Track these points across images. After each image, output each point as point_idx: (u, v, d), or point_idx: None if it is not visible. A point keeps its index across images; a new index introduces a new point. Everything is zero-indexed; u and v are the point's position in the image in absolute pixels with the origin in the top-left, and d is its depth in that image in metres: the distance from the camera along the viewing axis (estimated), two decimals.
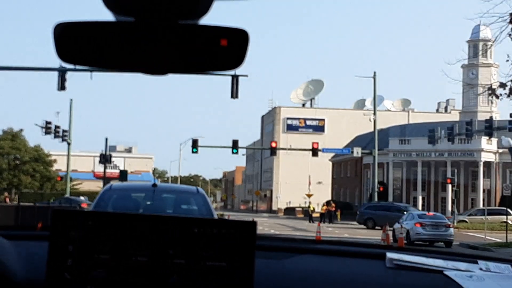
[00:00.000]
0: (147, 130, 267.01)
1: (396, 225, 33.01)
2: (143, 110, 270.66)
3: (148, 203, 10.54)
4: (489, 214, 54.29)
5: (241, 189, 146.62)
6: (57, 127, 54.04)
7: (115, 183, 13.46)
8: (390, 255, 2.31)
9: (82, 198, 61.80)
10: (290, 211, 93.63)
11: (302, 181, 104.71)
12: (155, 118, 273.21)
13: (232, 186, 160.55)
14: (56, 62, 36.07)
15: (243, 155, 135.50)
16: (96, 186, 78.63)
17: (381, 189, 62.60)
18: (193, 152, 59.43)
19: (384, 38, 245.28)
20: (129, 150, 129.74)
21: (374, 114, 63.21)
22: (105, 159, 53.33)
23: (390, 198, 67.55)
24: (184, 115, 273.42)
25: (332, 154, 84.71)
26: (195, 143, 60.32)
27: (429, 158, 67.87)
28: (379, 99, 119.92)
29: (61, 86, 32.08)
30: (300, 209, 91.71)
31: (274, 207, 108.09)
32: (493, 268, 2.30)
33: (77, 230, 1.85)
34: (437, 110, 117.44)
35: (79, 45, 1.57)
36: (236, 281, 1.82)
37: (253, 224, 1.87)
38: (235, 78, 33.15)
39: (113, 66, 1.59)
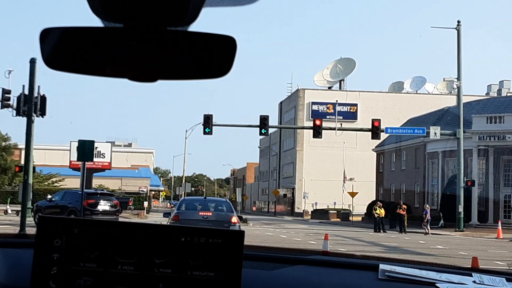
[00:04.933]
0: (148, 124, 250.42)
1: None
2: (143, 106, 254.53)
3: (201, 206, 22.67)
4: None
5: (254, 188, 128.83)
6: (5, 91, 36.54)
7: (186, 197, 30.42)
8: (383, 266, 2.28)
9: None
10: (320, 214, 75.81)
11: (331, 178, 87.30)
12: (157, 112, 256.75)
13: (242, 185, 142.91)
14: None
15: (258, 147, 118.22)
16: (79, 183, 60.32)
17: (469, 183, 44.91)
18: (205, 132, 44.11)
19: (421, 13, 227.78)
20: (128, 145, 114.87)
21: (458, 79, 45.39)
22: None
23: (475, 196, 49.39)
24: (188, 106, 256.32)
25: (377, 143, 66.53)
26: (207, 121, 44.00)
27: None
28: (420, 80, 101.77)
29: None
30: (335, 211, 74.00)
31: (297, 209, 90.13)
32: (487, 281, 2.27)
33: (62, 238, 1.82)
34: (488, 94, 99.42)
35: (67, 51, 1.55)
36: None
37: (241, 233, 1.85)
38: None
39: (101, 73, 1.56)
